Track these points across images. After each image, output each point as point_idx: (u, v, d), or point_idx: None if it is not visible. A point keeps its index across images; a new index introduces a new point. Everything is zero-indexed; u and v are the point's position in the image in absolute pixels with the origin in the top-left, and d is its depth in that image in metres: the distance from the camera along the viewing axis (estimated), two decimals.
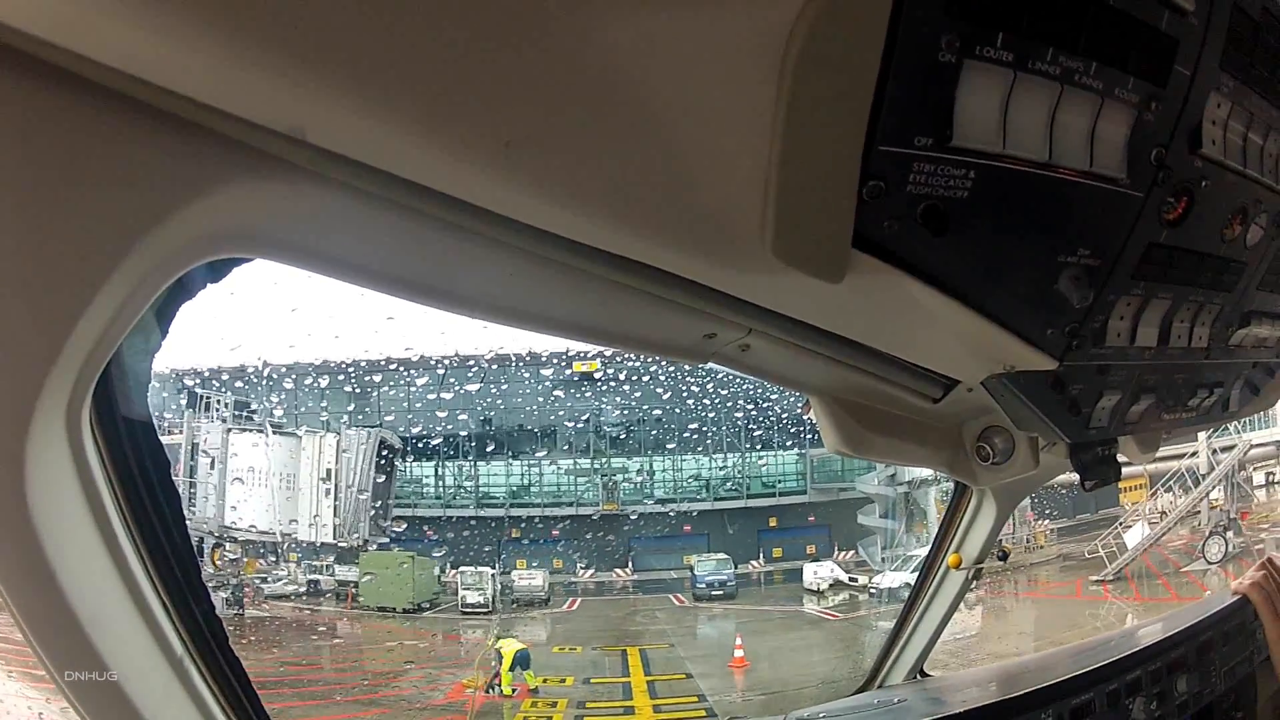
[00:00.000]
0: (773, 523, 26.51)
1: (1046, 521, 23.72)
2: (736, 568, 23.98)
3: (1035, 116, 0.84)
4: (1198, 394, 1.40)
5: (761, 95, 0.74)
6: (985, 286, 0.94)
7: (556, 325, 1.11)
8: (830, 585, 22.45)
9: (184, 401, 19.72)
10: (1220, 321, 1.28)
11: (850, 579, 22.57)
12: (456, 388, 25.37)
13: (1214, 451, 19.65)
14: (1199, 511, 19.83)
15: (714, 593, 22.84)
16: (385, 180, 0.75)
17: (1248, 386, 1.58)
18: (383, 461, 21.30)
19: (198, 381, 20.25)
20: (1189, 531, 20.37)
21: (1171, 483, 20.46)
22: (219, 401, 20.04)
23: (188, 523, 1.27)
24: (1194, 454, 19.63)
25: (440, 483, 25.87)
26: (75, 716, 0.92)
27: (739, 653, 16.77)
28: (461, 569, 22.37)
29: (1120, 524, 21.31)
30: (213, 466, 19.41)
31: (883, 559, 22.67)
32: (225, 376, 21.05)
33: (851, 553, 24.40)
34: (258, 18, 0.59)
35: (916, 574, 2.69)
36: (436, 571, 22.64)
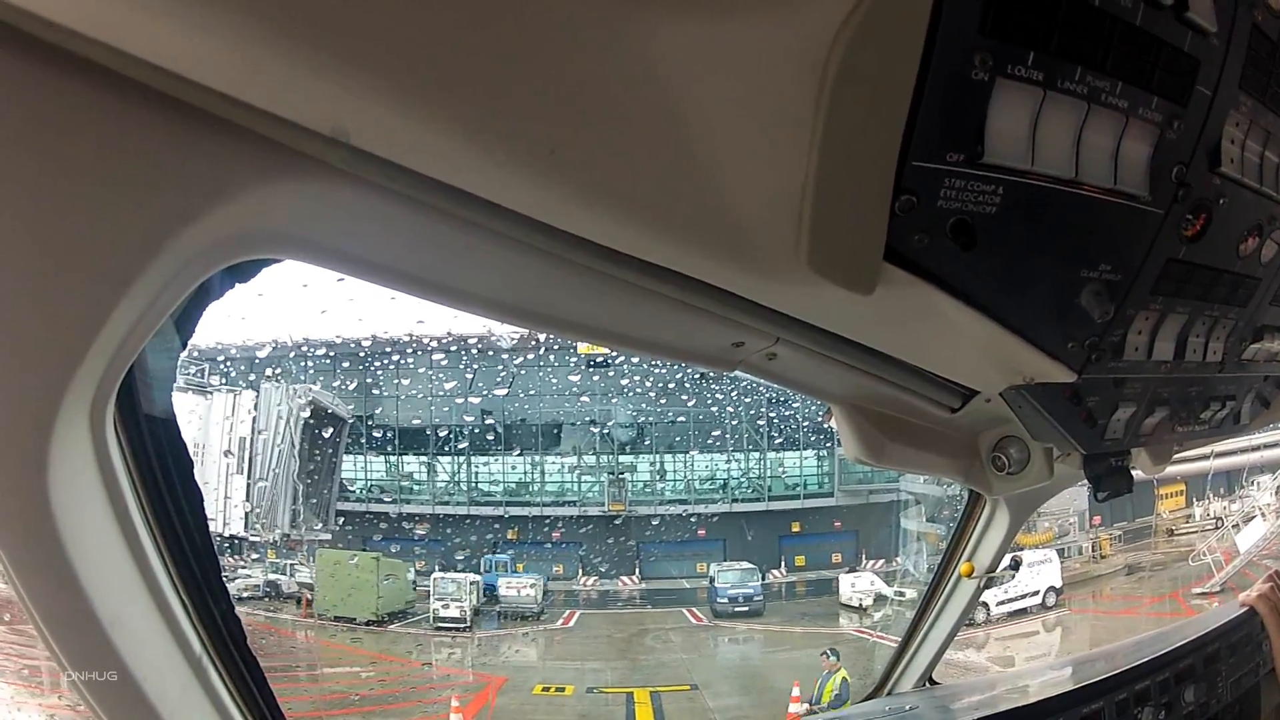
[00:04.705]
0: (795, 528, 23.93)
1: (1106, 530, 21.84)
2: (762, 579, 21.31)
3: (1063, 134, 0.87)
4: (1210, 407, 1.46)
5: (799, 109, 0.76)
6: (1010, 300, 0.97)
7: (587, 331, 1.12)
8: (874, 600, 19.66)
9: None
10: (1234, 336, 1.33)
11: (896, 593, 19.64)
12: (449, 370, 22.88)
13: None
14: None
15: (737, 609, 20.04)
16: (421, 183, 0.75)
17: (1259, 400, 1.64)
18: (318, 431, 17.48)
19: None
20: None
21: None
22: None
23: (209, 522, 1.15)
24: None
25: (430, 475, 23.29)
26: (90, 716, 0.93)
27: (796, 706, 12.11)
28: (435, 576, 19.35)
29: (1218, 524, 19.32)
30: None
31: (927, 569, 19.84)
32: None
33: (881, 561, 21.90)
34: (305, 15, 0.59)
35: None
36: (411, 576, 19.67)
